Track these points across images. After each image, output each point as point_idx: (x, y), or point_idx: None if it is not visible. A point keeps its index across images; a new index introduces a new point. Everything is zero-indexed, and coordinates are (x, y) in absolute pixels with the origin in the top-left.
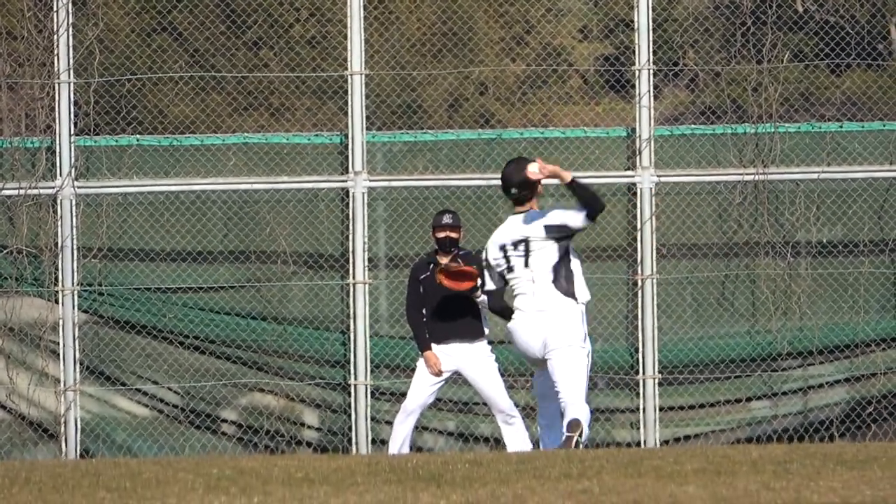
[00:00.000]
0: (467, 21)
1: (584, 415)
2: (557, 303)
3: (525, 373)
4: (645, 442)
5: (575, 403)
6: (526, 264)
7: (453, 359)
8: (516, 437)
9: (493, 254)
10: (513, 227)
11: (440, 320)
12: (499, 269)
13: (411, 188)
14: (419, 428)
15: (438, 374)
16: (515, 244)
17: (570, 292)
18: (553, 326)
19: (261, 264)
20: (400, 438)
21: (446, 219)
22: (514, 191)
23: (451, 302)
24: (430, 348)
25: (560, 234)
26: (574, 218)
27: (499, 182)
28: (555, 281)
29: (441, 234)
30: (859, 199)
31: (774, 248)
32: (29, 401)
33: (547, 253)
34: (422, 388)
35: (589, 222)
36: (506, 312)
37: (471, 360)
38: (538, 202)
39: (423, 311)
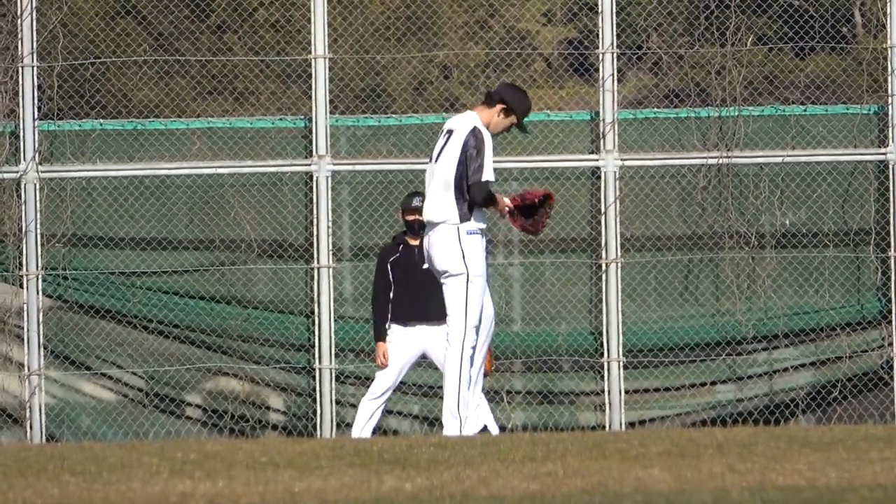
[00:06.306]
0: (431, 5)
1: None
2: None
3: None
4: (610, 425)
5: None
6: (436, 159)
7: (420, 341)
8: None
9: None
10: (456, 117)
11: (408, 302)
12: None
13: (375, 172)
14: (385, 412)
15: (384, 365)
16: (447, 133)
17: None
18: (439, 249)
19: (225, 248)
20: (363, 420)
21: (416, 201)
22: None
23: (420, 284)
24: (384, 340)
25: (467, 161)
26: (473, 177)
27: None
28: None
29: (410, 217)
30: (823, 182)
31: (738, 231)
32: None
33: (452, 160)
34: (389, 371)
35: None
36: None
37: (437, 341)
38: (498, 124)
39: (390, 297)
